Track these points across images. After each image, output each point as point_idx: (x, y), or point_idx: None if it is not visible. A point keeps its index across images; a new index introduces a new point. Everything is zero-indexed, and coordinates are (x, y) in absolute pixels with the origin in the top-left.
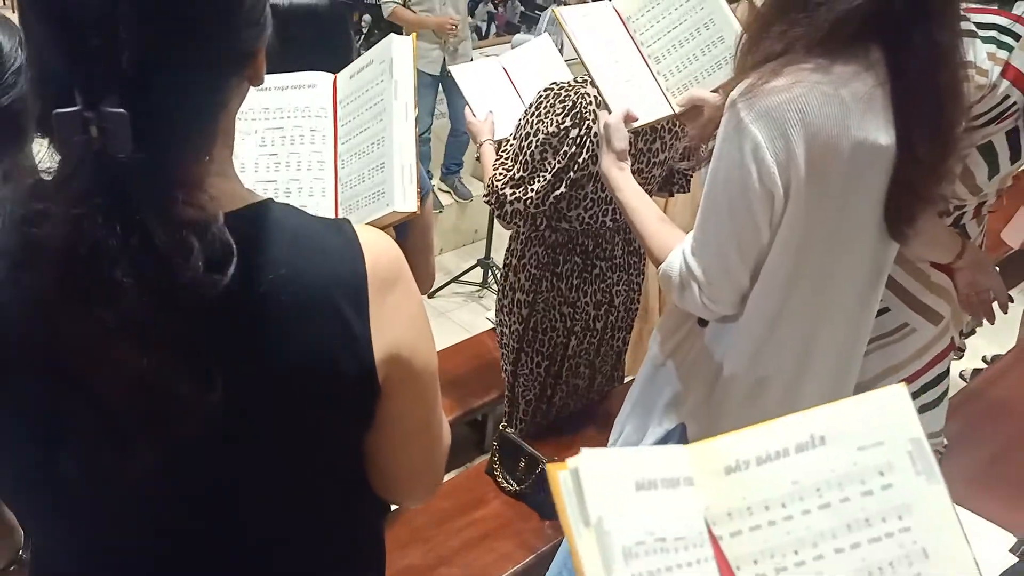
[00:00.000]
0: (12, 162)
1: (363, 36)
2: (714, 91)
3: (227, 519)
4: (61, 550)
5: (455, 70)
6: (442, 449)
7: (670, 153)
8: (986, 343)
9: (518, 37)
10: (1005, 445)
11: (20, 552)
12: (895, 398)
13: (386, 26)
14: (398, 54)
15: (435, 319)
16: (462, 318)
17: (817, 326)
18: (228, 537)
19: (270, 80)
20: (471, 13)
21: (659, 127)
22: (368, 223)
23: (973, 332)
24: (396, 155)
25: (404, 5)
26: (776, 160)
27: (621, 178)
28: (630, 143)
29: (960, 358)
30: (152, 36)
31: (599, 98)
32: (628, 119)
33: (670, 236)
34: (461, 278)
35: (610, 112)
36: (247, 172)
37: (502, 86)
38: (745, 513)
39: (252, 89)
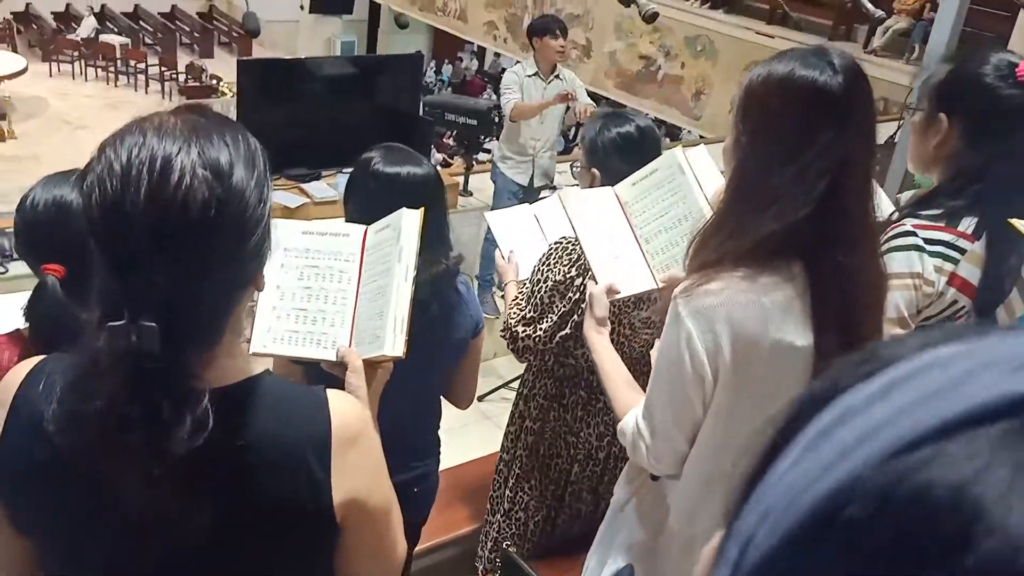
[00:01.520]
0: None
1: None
2: None
3: None
4: None
5: (489, 216)
6: (395, 562)
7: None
8: None
9: None
10: None
11: None
12: None
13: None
14: (407, 225)
15: (480, 422)
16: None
17: None
18: None
19: (316, 226)
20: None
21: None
22: (366, 359)
23: None
24: (392, 308)
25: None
26: (706, 350)
27: (598, 342)
28: (624, 307)
29: None
30: (180, 273)
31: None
32: (610, 291)
33: (632, 399)
34: (511, 384)
35: (596, 283)
36: (285, 299)
37: (532, 232)
38: None
39: (299, 232)
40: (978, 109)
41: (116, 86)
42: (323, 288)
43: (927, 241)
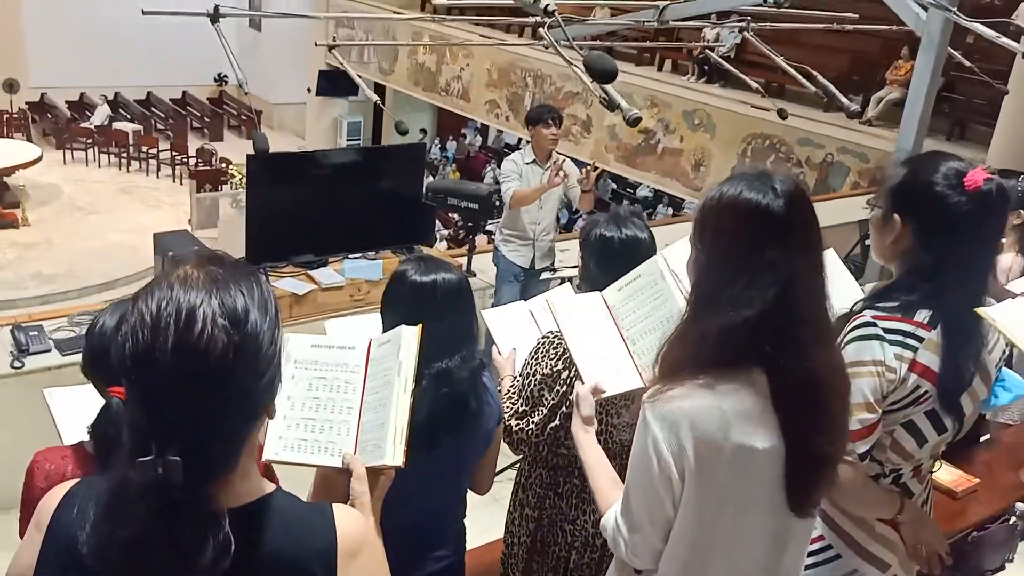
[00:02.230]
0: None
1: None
2: None
3: None
4: None
5: (487, 315)
6: None
7: None
8: None
9: None
10: None
11: None
12: None
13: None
14: (406, 341)
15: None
16: None
17: None
18: None
19: (325, 339)
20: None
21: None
22: (368, 467)
23: None
24: (392, 419)
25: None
26: (671, 453)
27: (585, 440)
28: (612, 402)
29: None
30: (201, 411)
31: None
32: (596, 391)
33: (614, 496)
34: (515, 465)
35: (583, 383)
36: (295, 408)
37: (529, 328)
38: None
39: (309, 345)
40: (928, 214)
41: (128, 171)
42: (330, 398)
43: (886, 331)
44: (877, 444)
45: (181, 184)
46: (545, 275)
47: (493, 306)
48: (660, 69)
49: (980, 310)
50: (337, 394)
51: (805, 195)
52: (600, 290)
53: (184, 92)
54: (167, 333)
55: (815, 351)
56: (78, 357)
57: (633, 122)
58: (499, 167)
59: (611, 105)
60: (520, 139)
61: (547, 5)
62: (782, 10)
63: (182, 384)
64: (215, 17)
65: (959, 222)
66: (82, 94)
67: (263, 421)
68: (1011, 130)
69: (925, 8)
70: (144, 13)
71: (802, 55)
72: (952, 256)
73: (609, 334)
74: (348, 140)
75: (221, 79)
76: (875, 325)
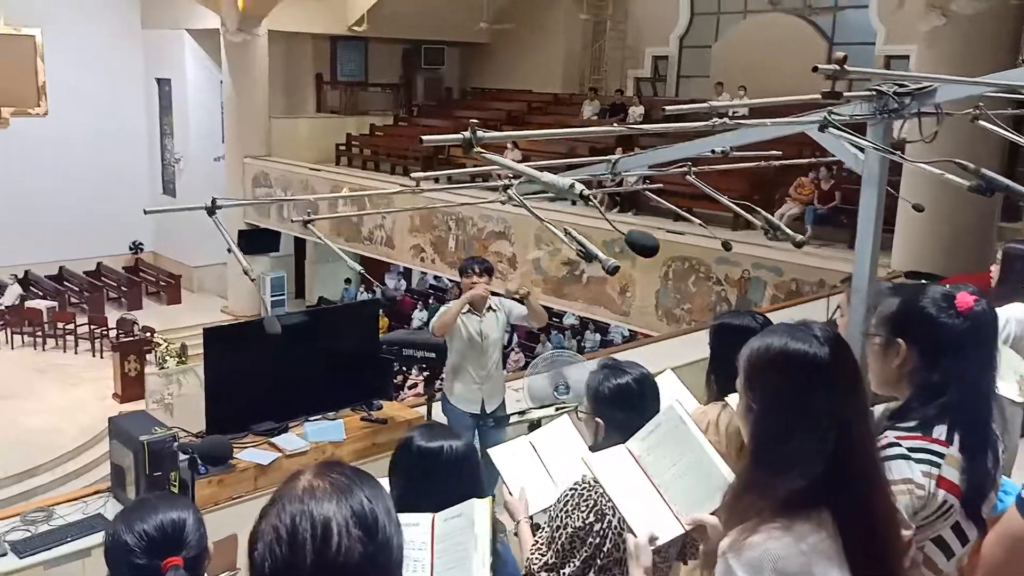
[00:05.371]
0: None
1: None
2: (712, 513)
3: None
4: None
5: (493, 452)
6: None
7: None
8: None
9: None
10: None
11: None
12: None
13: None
14: (479, 515)
15: None
16: None
17: None
18: None
19: None
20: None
21: None
22: None
23: None
24: None
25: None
26: None
27: None
28: None
29: None
30: None
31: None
32: (651, 540)
33: None
34: None
35: (635, 535)
36: None
37: (532, 462)
38: None
39: None
40: (930, 336)
41: (44, 349)
42: None
43: (911, 450)
44: (912, 562)
45: (102, 358)
46: (514, 419)
47: None
48: (574, 203)
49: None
50: (404, 572)
51: (844, 340)
52: (622, 433)
53: (99, 263)
54: (305, 550)
55: (874, 493)
56: (38, 559)
57: (612, 271)
58: (427, 308)
59: (588, 256)
60: (442, 276)
61: (581, 191)
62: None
63: None
64: (211, 210)
65: (959, 341)
66: None
67: None
68: (908, 233)
69: (862, 150)
70: (146, 212)
71: (707, 180)
72: (958, 372)
73: (642, 483)
74: (272, 296)
75: (136, 247)
76: (899, 445)
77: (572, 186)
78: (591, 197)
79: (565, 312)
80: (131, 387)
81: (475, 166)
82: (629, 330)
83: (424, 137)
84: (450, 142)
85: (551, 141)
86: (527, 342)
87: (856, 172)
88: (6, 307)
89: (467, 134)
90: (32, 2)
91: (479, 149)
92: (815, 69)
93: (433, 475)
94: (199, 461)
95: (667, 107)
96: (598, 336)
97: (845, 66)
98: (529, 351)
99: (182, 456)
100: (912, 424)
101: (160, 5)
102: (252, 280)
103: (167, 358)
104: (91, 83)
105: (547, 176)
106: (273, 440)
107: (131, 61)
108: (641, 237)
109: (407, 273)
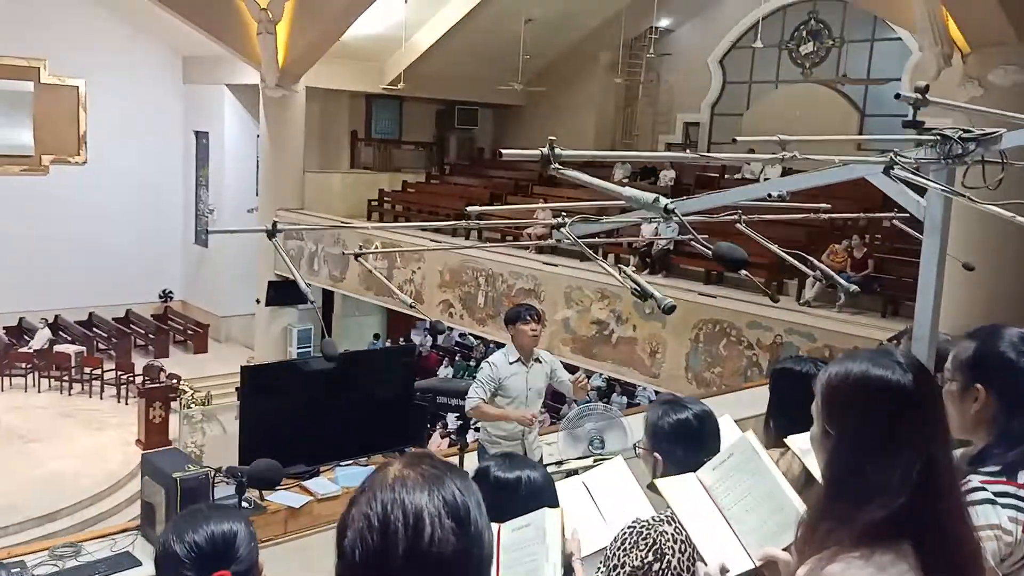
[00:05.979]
0: None
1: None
2: (784, 549)
3: None
4: None
5: None
6: None
7: None
8: None
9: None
10: None
11: None
12: None
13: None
14: (551, 525)
15: None
16: None
17: None
18: None
19: None
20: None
21: None
22: None
23: None
24: None
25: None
26: None
27: None
28: None
29: None
30: None
31: (681, 540)
32: (722, 571)
33: None
34: None
35: (705, 564)
36: None
37: (584, 502)
38: None
39: None
40: (1008, 380)
41: (70, 394)
42: None
43: (996, 495)
44: None
45: (127, 404)
46: (552, 468)
47: None
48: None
49: None
50: None
51: (927, 368)
52: (680, 470)
53: (128, 310)
54: (396, 538)
55: (958, 527)
56: None
57: (669, 310)
58: (452, 365)
59: (644, 295)
60: (469, 333)
61: (666, 205)
62: (769, 202)
63: None
64: (272, 233)
65: None
66: (21, 318)
67: None
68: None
69: (921, 194)
70: (208, 232)
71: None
72: None
73: (711, 513)
74: (299, 348)
75: (166, 295)
76: (984, 489)
77: (656, 200)
78: (673, 212)
79: (592, 373)
80: (155, 434)
81: (511, 219)
82: (656, 392)
83: (503, 151)
84: (528, 158)
85: (580, 201)
86: (552, 402)
87: (908, 229)
88: (35, 351)
89: (545, 150)
90: (78, 54)
91: (557, 165)
92: (897, 96)
93: (512, 505)
94: (247, 486)
95: (704, 164)
96: (624, 399)
97: (927, 96)
98: (555, 412)
99: (230, 482)
100: (995, 469)
101: (203, 62)
102: (310, 302)
103: (192, 405)
104: (131, 134)
105: (629, 191)
106: (304, 483)
107: (171, 114)
108: (729, 251)
109: (433, 329)
